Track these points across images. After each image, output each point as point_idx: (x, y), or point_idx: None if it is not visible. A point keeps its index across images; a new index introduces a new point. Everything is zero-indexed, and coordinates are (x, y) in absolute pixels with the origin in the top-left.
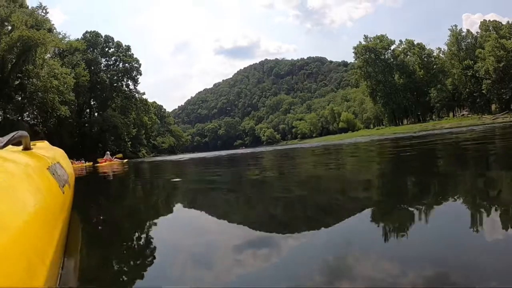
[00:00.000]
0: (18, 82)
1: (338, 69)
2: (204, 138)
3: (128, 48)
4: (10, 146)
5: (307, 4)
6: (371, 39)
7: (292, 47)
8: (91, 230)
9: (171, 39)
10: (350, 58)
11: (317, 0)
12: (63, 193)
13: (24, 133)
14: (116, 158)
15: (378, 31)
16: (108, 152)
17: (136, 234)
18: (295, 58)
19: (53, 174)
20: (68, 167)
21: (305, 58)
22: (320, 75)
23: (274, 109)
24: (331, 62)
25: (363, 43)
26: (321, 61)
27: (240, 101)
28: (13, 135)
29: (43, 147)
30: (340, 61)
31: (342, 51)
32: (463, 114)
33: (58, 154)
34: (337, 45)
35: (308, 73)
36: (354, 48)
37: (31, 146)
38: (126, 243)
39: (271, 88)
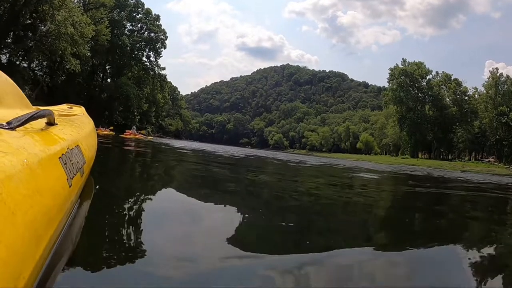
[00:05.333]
0: (29, 22)
1: (358, 89)
2: (211, 129)
3: (157, 17)
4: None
5: (336, 20)
6: (409, 63)
7: (314, 58)
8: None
9: (196, 28)
10: (370, 80)
11: (347, 17)
12: (70, 186)
13: (46, 112)
14: (140, 133)
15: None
16: (134, 127)
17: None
18: (316, 69)
19: (65, 163)
20: (90, 147)
21: (327, 71)
22: (339, 91)
23: (287, 115)
24: (352, 80)
25: (401, 66)
26: (342, 77)
27: (254, 100)
28: (33, 115)
29: (70, 122)
30: (361, 81)
31: (362, 73)
32: (489, 161)
33: (84, 131)
34: (358, 66)
35: (328, 87)
36: (391, 69)
37: (55, 122)
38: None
39: (288, 94)
